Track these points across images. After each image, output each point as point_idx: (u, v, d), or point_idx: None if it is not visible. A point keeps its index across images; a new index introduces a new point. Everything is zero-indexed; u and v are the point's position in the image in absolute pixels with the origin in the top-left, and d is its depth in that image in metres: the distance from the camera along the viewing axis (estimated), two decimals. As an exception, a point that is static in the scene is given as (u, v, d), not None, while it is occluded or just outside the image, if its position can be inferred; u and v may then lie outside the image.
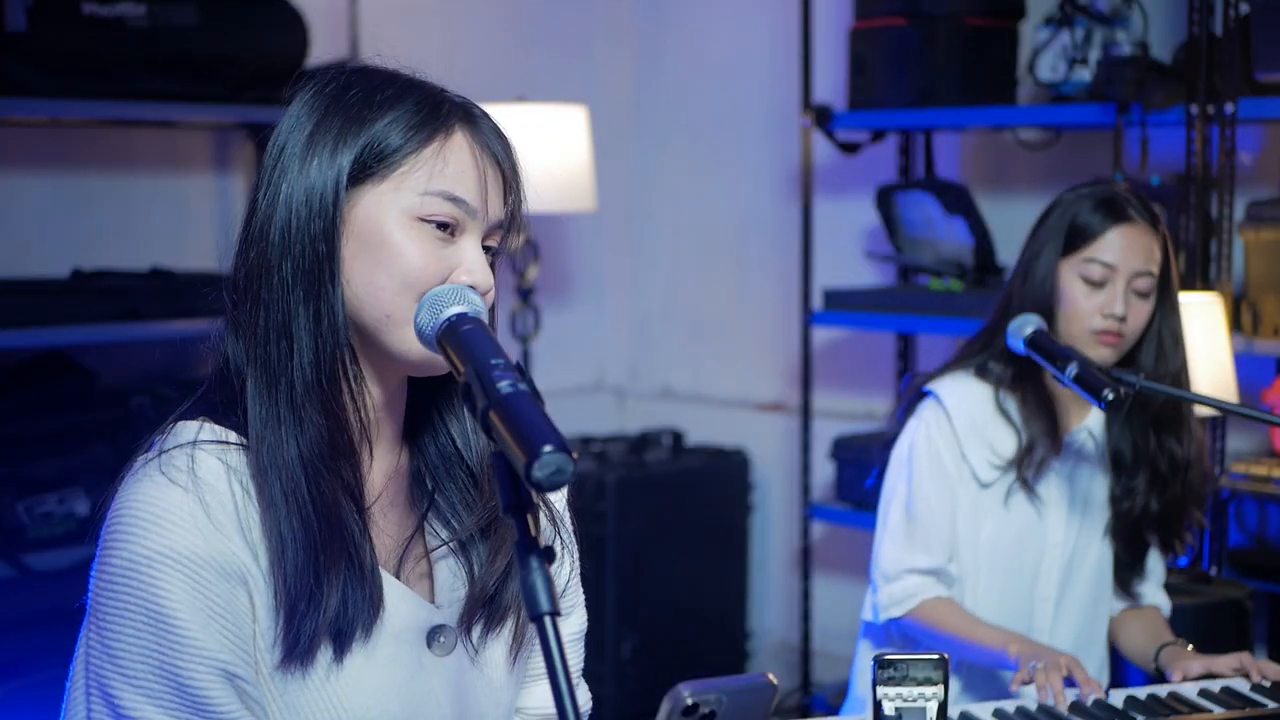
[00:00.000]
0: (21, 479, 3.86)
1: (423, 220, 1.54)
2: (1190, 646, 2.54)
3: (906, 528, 2.61)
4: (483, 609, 1.67)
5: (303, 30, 4.25)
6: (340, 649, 1.55)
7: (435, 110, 1.57)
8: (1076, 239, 2.57)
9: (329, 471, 1.54)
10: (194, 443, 1.54)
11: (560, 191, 4.39)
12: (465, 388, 1.39)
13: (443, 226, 1.55)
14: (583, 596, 1.82)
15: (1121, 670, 3.05)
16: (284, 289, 1.54)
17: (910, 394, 2.71)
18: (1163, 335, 2.61)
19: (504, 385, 1.35)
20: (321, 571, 1.52)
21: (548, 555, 1.27)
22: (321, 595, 1.52)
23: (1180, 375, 2.61)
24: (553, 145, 4.36)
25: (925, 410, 2.65)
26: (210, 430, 1.56)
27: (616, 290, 5.49)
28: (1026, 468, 2.59)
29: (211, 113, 4.19)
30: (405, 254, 1.53)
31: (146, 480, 1.52)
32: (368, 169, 1.55)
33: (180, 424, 1.57)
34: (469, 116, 1.60)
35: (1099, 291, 2.55)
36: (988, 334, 2.68)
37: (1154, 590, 2.74)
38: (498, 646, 1.69)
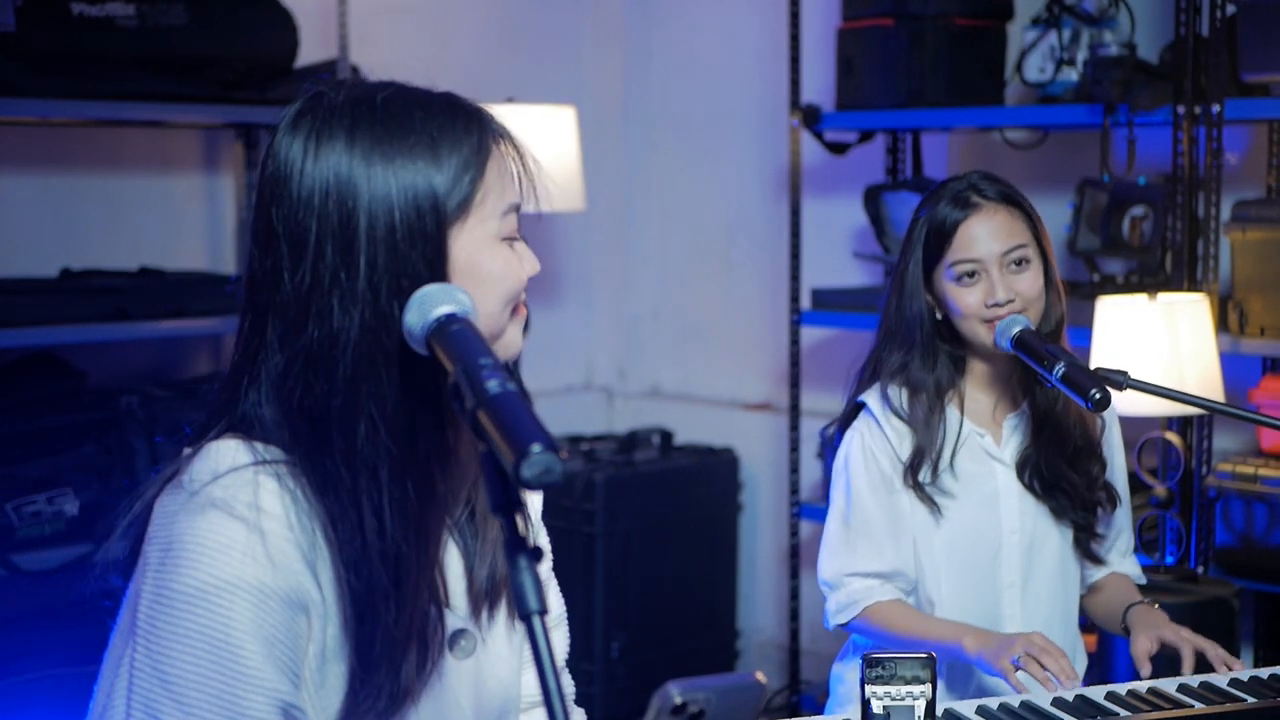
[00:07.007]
0: (10, 479, 3.85)
1: (504, 240, 1.63)
2: (1156, 605, 2.56)
3: (845, 536, 2.64)
4: (486, 596, 1.68)
5: (292, 30, 4.25)
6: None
7: (482, 132, 1.62)
8: (936, 245, 2.61)
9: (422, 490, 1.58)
10: (250, 466, 1.52)
11: (548, 192, 4.38)
12: (454, 387, 1.39)
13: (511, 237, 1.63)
14: (555, 582, 1.84)
15: (1110, 653, 3.06)
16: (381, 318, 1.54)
17: (846, 410, 2.74)
18: (1048, 291, 2.63)
19: (492, 385, 1.36)
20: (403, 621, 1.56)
21: (535, 555, 1.28)
22: (403, 653, 1.56)
23: (1060, 324, 2.65)
24: (541, 146, 4.30)
25: (859, 421, 2.69)
26: (254, 450, 1.54)
27: (605, 290, 5.49)
28: (921, 475, 2.62)
29: (201, 113, 4.19)
30: (506, 276, 1.63)
31: (209, 513, 1.50)
32: (455, 212, 1.59)
33: (216, 445, 1.55)
34: (492, 121, 1.65)
35: (977, 285, 2.58)
36: (872, 364, 2.72)
37: (1120, 558, 2.75)
38: (499, 627, 1.70)
